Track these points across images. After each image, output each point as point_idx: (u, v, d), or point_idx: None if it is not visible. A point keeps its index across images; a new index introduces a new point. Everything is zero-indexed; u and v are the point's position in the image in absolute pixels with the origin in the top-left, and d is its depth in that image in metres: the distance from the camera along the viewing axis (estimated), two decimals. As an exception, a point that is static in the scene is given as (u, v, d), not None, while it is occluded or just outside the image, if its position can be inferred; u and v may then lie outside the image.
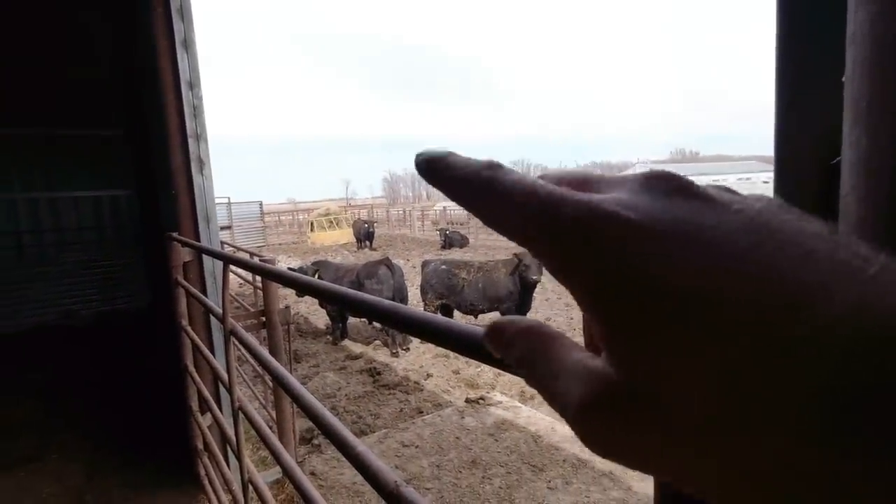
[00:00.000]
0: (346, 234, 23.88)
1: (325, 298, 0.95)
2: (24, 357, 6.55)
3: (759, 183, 40.03)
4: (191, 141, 2.99)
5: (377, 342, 7.48)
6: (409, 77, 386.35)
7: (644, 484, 3.29)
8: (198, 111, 3.00)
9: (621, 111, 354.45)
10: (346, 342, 7.61)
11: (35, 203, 7.91)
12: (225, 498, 2.57)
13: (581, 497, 3.21)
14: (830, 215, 0.30)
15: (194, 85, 2.96)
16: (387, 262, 7.40)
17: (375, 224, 22.49)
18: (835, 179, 0.30)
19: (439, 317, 0.60)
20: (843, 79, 0.29)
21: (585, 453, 3.70)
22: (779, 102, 0.35)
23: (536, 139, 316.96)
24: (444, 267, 7.82)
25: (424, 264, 8.25)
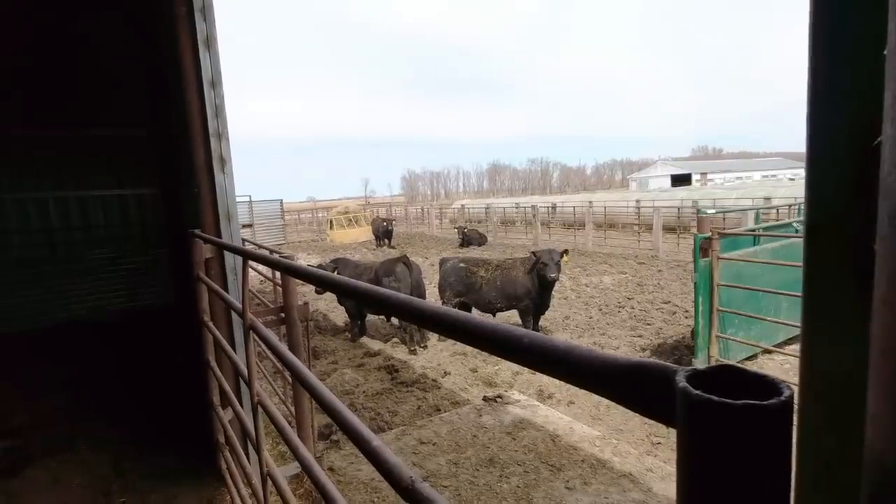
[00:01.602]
0: (364, 232, 24.06)
1: (342, 293, 0.95)
2: (55, 351, 6.76)
3: (784, 180, 39.06)
4: (213, 140, 3.04)
5: (395, 340, 7.51)
6: (427, 75, 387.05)
7: (664, 485, 3.24)
8: (219, 110, 3.04)
9: (642, 108, 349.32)
10: (365, 339, 7.66)
11: (65, 202, 8.16)
12: (245, 491, 2.61)
13: (600, 498, 3.17)
14: (869, 198, 0.28)
15: (216, 84, 3.01)
16: (405, 260, 7.42)
17: (394, 222, 22.58)
18: (874, 160, 0.28)
19: (455, 310, 0.59)
20: (885, 52, 0.27)
21: (605, 454, 3.66)
22: (812, 79, 0.33)
23: (556, 137, 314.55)
24: (462, 265, 7.80)
25: (442, 262, 8.25)
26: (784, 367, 5.62)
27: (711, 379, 0.35)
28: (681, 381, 0.34)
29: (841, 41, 0.32)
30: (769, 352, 5.56)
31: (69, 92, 7.28)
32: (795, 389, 0.33)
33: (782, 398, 0.31)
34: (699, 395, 0.32)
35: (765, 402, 0.31)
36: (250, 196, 22.90)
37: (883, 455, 0.32)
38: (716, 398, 0.31)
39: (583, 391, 5.41)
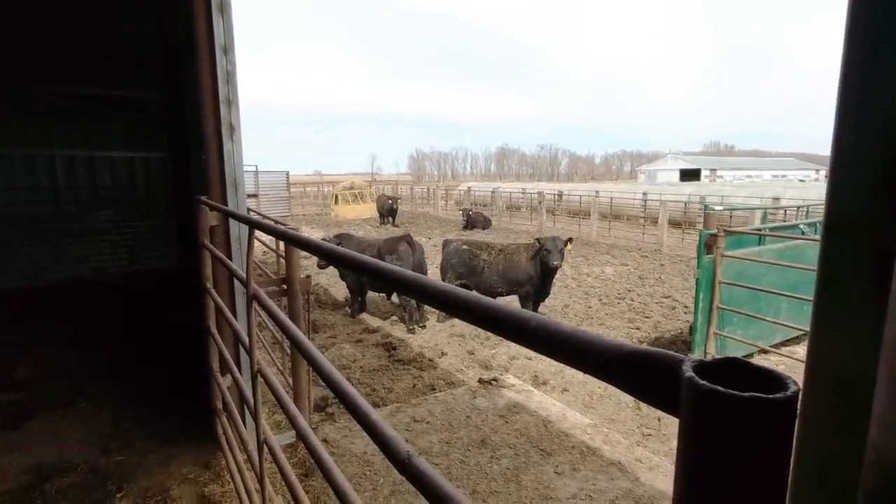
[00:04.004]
0: (369, 209, 24.01)
1: (351, 267, 0.95)
2: (60, 307, 6.84)
3: (794, 181, 38.64)
4: (223, 106, 3.02)
5: (394, 318, 7.56)
6: (441, 56, 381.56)
7: (652, 475, 3.28)
8: (231, 76, 3.01)
9: (657, 102, 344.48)
10: (364, 316, 7.71)
11: (72, 160, 8.15)
12: (241, 457, 2.66)
13: (588, 484, 3.23)
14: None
15: (228, 50, 2.97)
16: (408, 239, 7.41)
17: (399, 200, 22.51)
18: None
19: (461, 289, 0.59)
20: None
21: (595, 442, 3.71)
22: (845, 71, 0.32)
23: (567, 125, 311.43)
24: (465, 247, 7.80)
25: (445, 243, 8.25)
26: (779, 367, 5.64)
27: (717, 370, 0.35)
28: (687, 371, 0.34)
29: (879, 32, 0.31)
30: (765, 351, 5.58)
31: (83, 49, 7.22)
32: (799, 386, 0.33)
33: (788, 393, 0.31)
34: (705, 386, 0.32)
35: (770, 396, 0.31)
36: (256, 166, 22.75)
37: (884, 454, 0.32)
38: (722, 389, 0.31)
39: (577, 379, 5.42)
